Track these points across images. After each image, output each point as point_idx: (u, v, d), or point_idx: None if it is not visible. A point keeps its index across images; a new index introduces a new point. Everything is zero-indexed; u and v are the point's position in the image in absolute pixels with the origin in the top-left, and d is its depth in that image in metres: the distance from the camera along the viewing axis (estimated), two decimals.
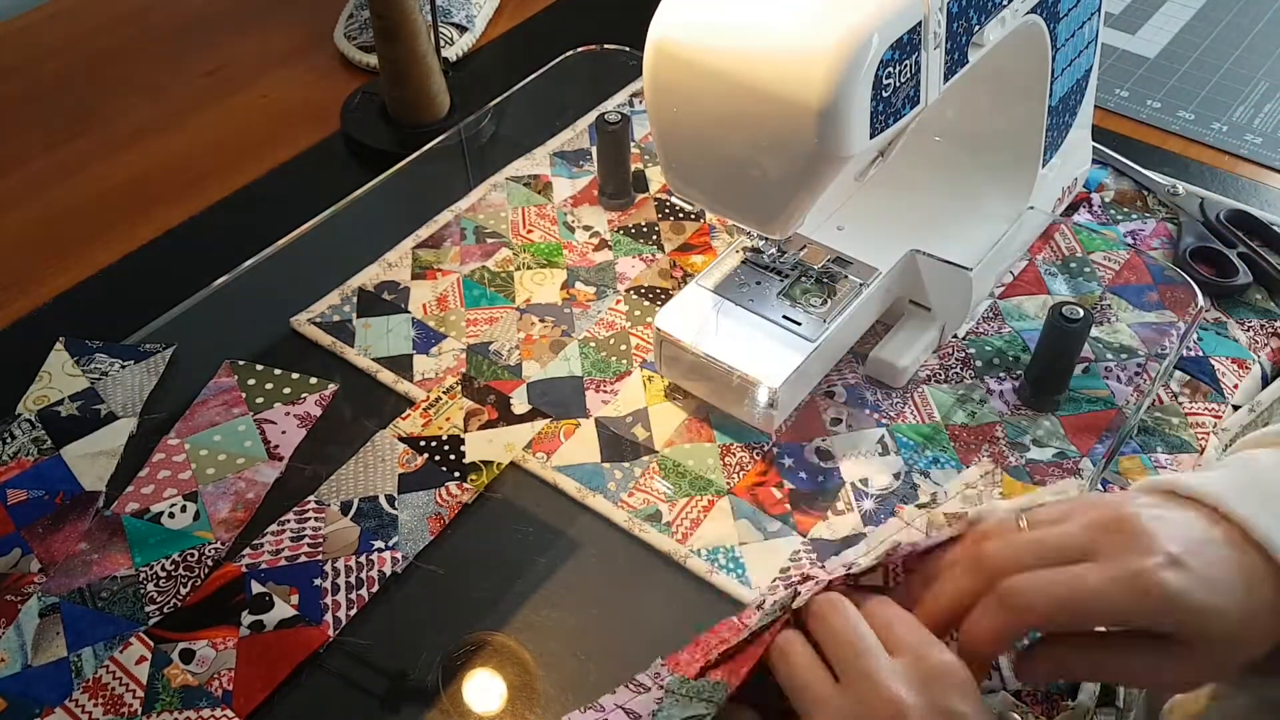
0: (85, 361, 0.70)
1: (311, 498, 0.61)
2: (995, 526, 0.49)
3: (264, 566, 0.58)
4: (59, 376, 0.69)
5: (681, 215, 0.81)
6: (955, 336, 0.71)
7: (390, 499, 0.60)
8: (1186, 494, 0.46)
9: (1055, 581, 0.45)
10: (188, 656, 0.55)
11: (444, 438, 0.65)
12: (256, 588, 0.58)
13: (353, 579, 0.58)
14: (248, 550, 0.60)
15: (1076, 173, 0.78)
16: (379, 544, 0.58)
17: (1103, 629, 0.46)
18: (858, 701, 0.45)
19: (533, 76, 0.92)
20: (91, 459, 0.64)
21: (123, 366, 0.70)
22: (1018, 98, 0.69)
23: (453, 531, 0.62)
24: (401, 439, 0.65)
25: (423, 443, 0.65)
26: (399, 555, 0.58)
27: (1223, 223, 0.78)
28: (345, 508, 0.60)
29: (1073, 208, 0.80)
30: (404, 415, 0.66)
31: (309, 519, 0.60)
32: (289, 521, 0.60)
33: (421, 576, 0.60)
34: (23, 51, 1.02)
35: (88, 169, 0.89)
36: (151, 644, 0.55)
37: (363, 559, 0.58)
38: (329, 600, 0.57)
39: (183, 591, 0.58)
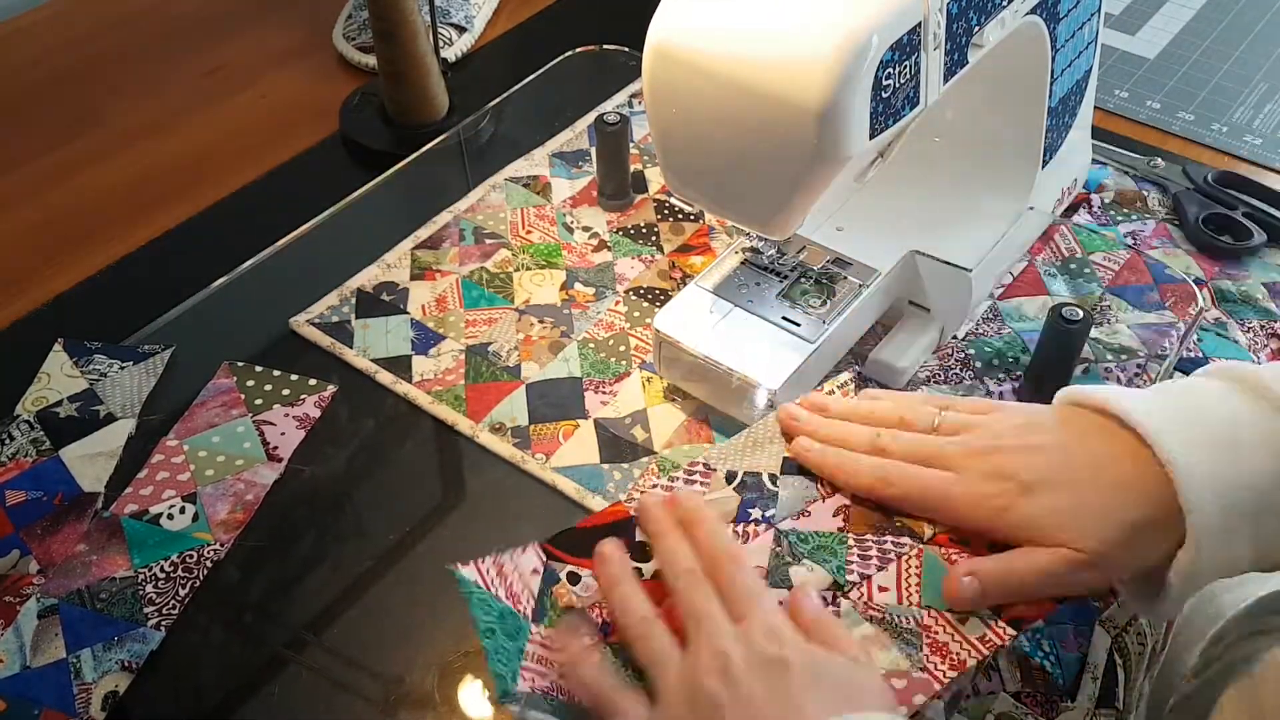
0: (84, 362, 0.70)
1: (700, 459, 0.58)
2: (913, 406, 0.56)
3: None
4: (58, 377, 0.69)
5: (681, 216, 0.81)
6: (955, 337, 0.71)
7: (773, 477, 0.57)
8: (1117, 413, 0.49)
9: (920, 477, 0.52)
10: (574, 579, 0.52)
11: None
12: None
13: None
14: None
15: (1076, 173, 0.78)
16: (755, 513, 0.55)
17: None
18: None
19: (532, 77, 0.92)
20: (90, 460, 0.64)
21: (122, 367, 0.70)
22: (1017, 98, 0.69)
23: (449, 533, 0.62)
24: None
25: None
26: (773, 528, 0.55)
27: (1214, 185, 0.80)
28: (730, 477, 0.57)
29: (1072, 208, 0.80)
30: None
31: (695, 479, 0.57)
32: (679, 478, 0.57)
33: (418, 579, 0.60)
34: (23, 51, 1.02)
35: (88, 169, 0.89)
36: (544, 558, 0.53)
37: (738, 528, 0.55)
38: None
39: (181, 593, 0.58)
